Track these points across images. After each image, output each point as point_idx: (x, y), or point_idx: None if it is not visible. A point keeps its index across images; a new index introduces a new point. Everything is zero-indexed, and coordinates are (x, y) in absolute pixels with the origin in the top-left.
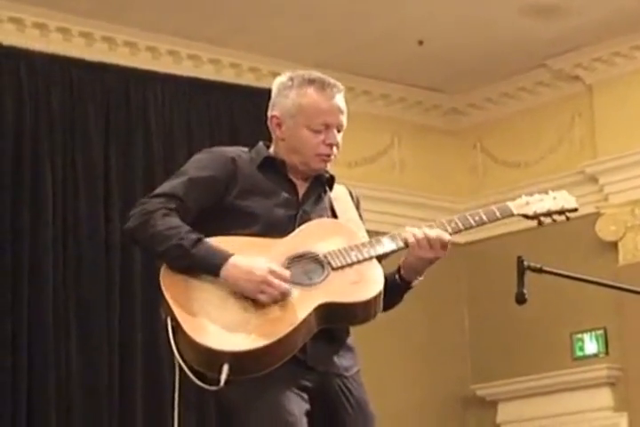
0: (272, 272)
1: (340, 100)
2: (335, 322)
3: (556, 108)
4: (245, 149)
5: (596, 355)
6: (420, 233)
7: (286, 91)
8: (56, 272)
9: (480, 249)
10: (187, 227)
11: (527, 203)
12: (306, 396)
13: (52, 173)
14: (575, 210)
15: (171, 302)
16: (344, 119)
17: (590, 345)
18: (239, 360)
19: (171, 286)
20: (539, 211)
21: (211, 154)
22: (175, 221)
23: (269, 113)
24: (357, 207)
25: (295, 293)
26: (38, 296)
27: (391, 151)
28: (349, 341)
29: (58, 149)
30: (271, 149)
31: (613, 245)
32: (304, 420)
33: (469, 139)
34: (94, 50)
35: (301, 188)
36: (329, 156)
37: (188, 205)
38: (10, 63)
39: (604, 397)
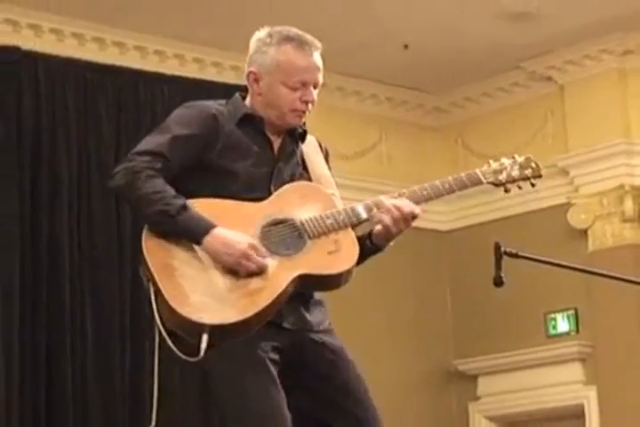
0: (252, 247)
1: (317, 57)
2: (309, 289)
3: (530, 107)
4: (223, 102)
5: (567, 333)
6: (395, 212)
7: (265, 47)
8: (72, 262)
9: (461, 236)
10: (172, 191)
11: (494, 171)
12: (277, 357)
13: (67, 167)
14: (539, 176)
15: (152, 266)
16: (320, 77)
17: (562, 324)
18: (218, 331)
19: (153, 249)
20: (505, 179)
21: (193, 109)
22: (161, 183)
23: (247, 68)
24: (327, 159)
25: (274, 263)
26: (57, 288)
27: (379, 146)
28: (317, 295)
29: (73, 145)
30: (247, 102)
31: (583, 233)
32: (282, 393)
33: (451, 134)
34: (106, 54)
35: (275, 143)
36: (304, 112)
37: (172, 163)
38: (29, 66)
39: (575, 371)
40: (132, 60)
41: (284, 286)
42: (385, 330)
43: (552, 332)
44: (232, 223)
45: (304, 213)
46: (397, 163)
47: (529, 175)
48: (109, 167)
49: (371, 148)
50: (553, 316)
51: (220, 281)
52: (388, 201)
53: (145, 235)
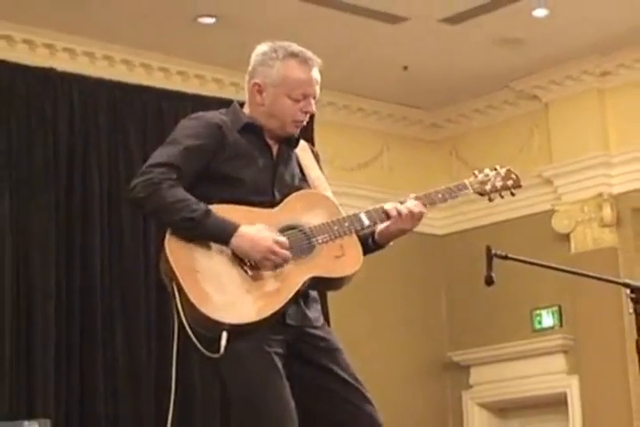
0: (276, 242)
1: (316, 72)
2: (316, 289)
3: (517, 122)
4: (223, 111)
5: (552, 327)
6: (404, 208)
7: (271, 61)
8: (103, 257)
9: (455, 240)
10: (193, 198)
11: (481, 182)
12: (281, 351)
13: (99, 180)
14: (519, 186)
15: (176, 267)
16: (318, 89)
17: (547, 319)
18: (237, 329)
19: (176, 251)
20: (490, 189)
21: (198, 121)
22: (182, 192)
23: (250, 80)
24: (317, 162)
25: (287, 266)
26: (89, 286)
27: (382, 158)
28: (314, 293)
29: (104, 159)
30: (246, 111)
31: (566, 237)
32: (285, 383)
33: (446, 147)
34: (134, 74)
35: (274, 149)
36: (302, 121)
37: (186, 173)
38: (63, 86)
39: (559, 362)
40: (157, 81)
41: (296, 288)
42: (386, 324)
43: (538, 326)
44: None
45: (312, 219)
46: (398, 173)
47: (510, 185)
48: None
49: (374, 159)
50: (538, 312)
51: (239, 282)
52: (388, 206)
53: (168, 238)
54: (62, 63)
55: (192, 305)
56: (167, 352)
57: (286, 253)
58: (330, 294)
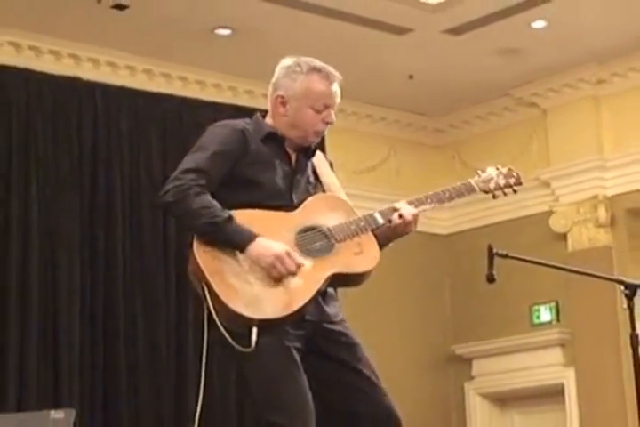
0: (287, 253)
1: (336, 86)
2: (337, 285)
3: (517, 128)
4: (248, 121)
5: (549, 322)
6: (408, 215)
7: (294, 75)
8: (125, 258)
9: (458, 239)
10: (218, 205)
11: (484, 181)
12: (300, 345)
13: (121, 182)
14: (520, 184)
15: (204, 268)
16: (338, 100)
17: (545, 314)
18: (265, 324)
19: (204, 254)
20: (494, 187)
21: (225, 128)
22: (207, 199)
23: (274, 92)
24: (332, 169)
25: (309, 264)
26: (112, 286)
27: (389, 162)
28: (331, 291)
29: (125, 163)
30: (268, 121)
31: (563, 236)
32: (303, 377)
33: (449, 151)
34: (154, 83)
35: (293, 157)
36: (323, 131)
37: (214, 178)
38: (88, 94)
39: (556, 355)
40: (176, 89)
41: (320, 284)
42: (393, 320)
43: (536, 321)
44: (270, 231)
45: (330, 220)
46: (404, 176)
47: (512, 183)
48: (157, 183)
49: (381, 163)
50: (537, 307)
51: (265, 280)
52: (399, 204)
53: (196, 242)
54: (86, 72)
55: (222, 303)
56: (186, 351)
57: (292, 264)
58: (342, 292)
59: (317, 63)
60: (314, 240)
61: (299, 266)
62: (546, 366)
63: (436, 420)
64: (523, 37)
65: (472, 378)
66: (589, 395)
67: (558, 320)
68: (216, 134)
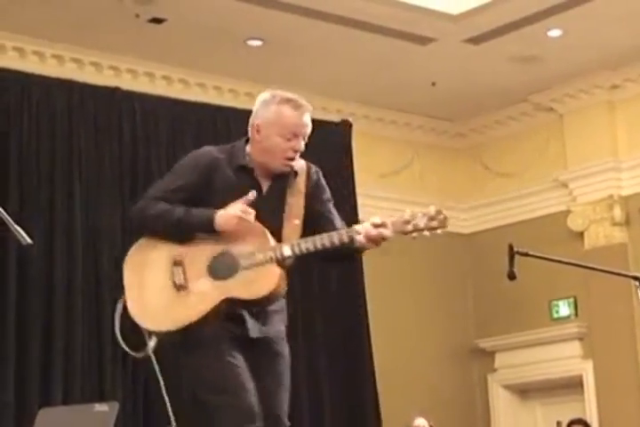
0: (244, 211)
1: (307, 117)
2: (241, 306)
3: (535, 132)
4: (229, 147)
5: (568, 317)
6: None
7: (269, 105)
8: None
9: (480, 238)
10: (168, 205)
11: (404, 221)
12: (240, 356)
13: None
14: (444, 227)
15: (126, 282)
16: (308, 130)
17: (564, 309)
18: (156, 334)
19: (131, 264)
20: (411, 229)
21: (196, 157)
22: (161, 205)
23: (252, 121)
24: (317, 183)
25: (208, 284)
26: None
27: (412, 165)
28: (275, 306)
29: (163, 165)
30: (248, 148)
31: (580, 235)
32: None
33: (471, 155)
34: (190, 92)
35: (264, 185)
36: (292, 159)
37: (174, 202)
38: (127, 103)
39: (575, 348)
40: (211, 98)
41: (212, 305)
42: (420, 315)
43: (555, 316)
44: (197, 250)
45: (242, 247)
46: (427, 179)
47: (434, 226)
48: None
49: (405, 167)
50: (556, 303)
51: (171, 297)
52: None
53: (127, 257)
54: (126, 83)
55: (130, 314)
56: None
57: (248, 216)
58: (370, 287)
59: (290, 95)
60: (224, 264)
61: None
62: (565, 358)
63: (461, 410)
64: (540, 45)
65: (495, 370)
66: (607, 386)
67: (577, 315)
68: (188, 162)
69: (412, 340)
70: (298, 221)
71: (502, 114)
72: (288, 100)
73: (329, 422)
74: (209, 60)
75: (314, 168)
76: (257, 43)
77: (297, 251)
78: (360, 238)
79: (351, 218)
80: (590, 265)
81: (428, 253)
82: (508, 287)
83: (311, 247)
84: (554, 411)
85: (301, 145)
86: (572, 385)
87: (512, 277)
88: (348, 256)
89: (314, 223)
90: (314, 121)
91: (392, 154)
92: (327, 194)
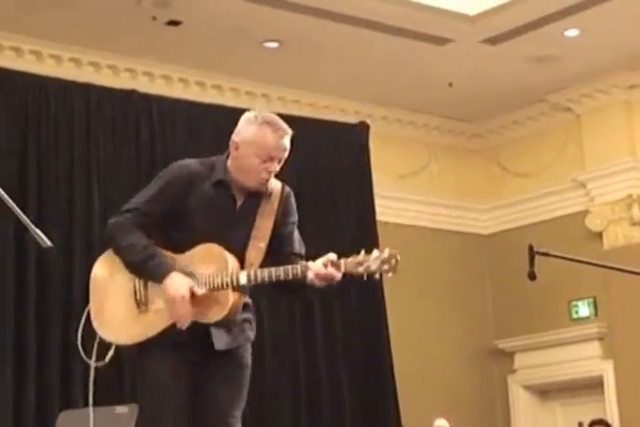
0: (182, 297)
1: (286, 140)
2: (198, 322)
3: (553, 132)
4: (212, 160)
5: (588, 317)
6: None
7: (250, 125)
8: None
9: (500, 238)
10: (144, 243)
11: (357, 263)
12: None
13: None
14: (394, 271)
15: (91, 291)
16: (285, 154)
17: (584, 310)
18: (119, 346)
19: (96, 277)
20: (362, 271)
21: (175, 170)
22: (135, 237)
23: (234, 138)
24: (286, 206)
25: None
26: None
27: (430, 166)
28: (242, 317)
29: None
30: (228, 163)
31: (599, 235)
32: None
33: (489, 156)
34: (206, 94)
35: (239, 201)
36: (267, 180)
37: (152, 217)
38: (145, 105)
39: (595, 348)
40: (227, 99)
41: (167, 324)
42: (439, 316)
43: (575, 316)
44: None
45: (205, 269)
46: (445, 179)
47: (386, 269)
48: None
49: (423, 168)
50: (576, 303)
51: (131, 311)
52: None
53: (98, 261)
54: (142, 85)
55: (90, 320)
56: None
57: (180, 308)
58: (390, 290)
59: (272, 118)
60: None
61: (183, 315)
62: (585, 359)
63: (481, 412)
64: (557, 46)
65: (514, 371)
66: (628, 386)
67: (596, 315)
68: (168, 174)
69: (431, 341)
70: (263, 244)
71: (520, 114)
72: (269, 123)
73: (350, 423)
74: (225, 62)
75: (287, 189)
76: (273, 45)
77: (252, 280)
78: (310, 276)
79: (369, 220)
80: (611, 265)
81: (447, 255)
82: (528, 288)
83: (266, 278)
84: (574, 412)
85: (276, 167)
86: (593, 386)
87: (533, 277)
88: (299, 289)
89: (274, 243)
90: (332, 123)
91: (410, 155)
92: (294, 217)
